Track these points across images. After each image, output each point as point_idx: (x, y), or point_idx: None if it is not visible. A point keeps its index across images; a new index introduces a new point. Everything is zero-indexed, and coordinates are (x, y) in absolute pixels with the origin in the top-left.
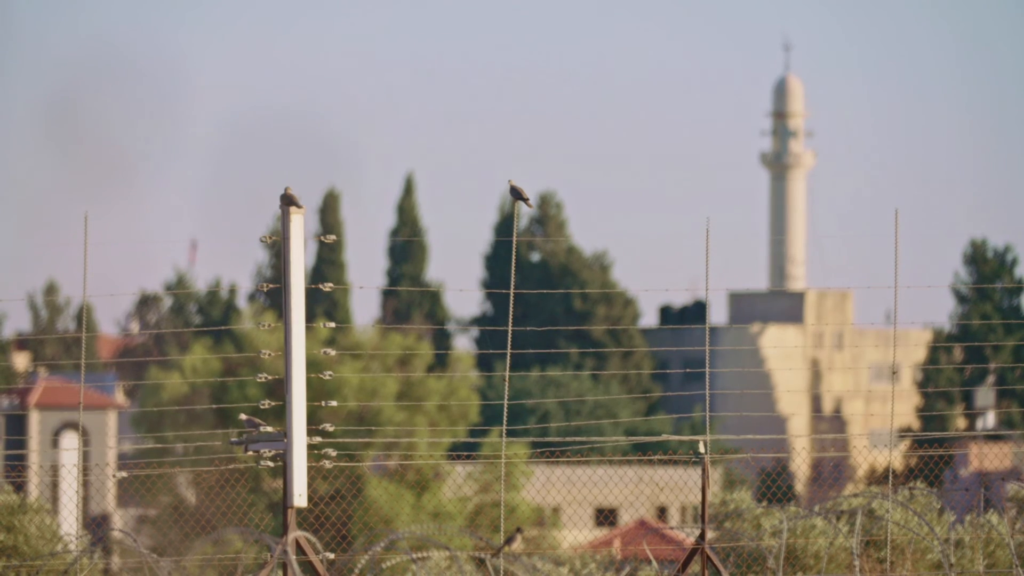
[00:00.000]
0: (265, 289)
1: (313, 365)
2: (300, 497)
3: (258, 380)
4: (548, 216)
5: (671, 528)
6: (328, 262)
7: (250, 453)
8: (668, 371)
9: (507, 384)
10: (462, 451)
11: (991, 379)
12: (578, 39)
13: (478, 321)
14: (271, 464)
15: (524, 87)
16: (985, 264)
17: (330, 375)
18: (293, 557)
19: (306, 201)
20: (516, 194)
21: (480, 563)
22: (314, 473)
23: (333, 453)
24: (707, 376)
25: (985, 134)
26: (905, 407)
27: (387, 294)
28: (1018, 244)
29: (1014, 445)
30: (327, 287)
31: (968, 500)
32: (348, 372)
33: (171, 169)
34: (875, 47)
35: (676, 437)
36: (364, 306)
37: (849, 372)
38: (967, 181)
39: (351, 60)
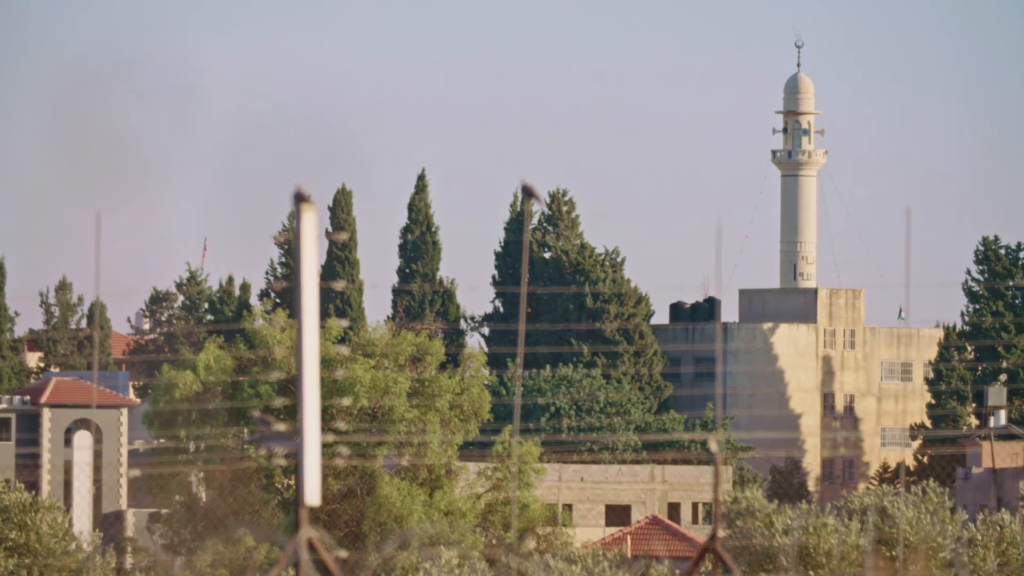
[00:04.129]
0: (278, 288)
1: (326, 363)
2: (313, 495)
3: (271, 379)
4: (560, 214)
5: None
6: (340, 260)
7: (263, 451)
8: (680, 369)
9: (519, 382)
10: (474, 449)
11: (1003, 377)
12: (590, 38)
13: (490, 318)
14: (284, 462)
15: (536, 85)
16: (997, 262)
17: (343, 373)
18: (305, 555)
19: (318, 199)
20: (528, 192)
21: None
22: (327, 471)
23: (346, 451)
24: (719, 374)
25: (996, 132)
26: (917, 405)
27: (399, 292)
28: None
29: None
30: (339, 285)
31: (980, 498)
32: (360, 370)
33: (183, 168)
34: (886, 46)
35: (688, 435)
36: (376, 304)
37: (861, 370)
38: (979, 179)
39: (363, 58)
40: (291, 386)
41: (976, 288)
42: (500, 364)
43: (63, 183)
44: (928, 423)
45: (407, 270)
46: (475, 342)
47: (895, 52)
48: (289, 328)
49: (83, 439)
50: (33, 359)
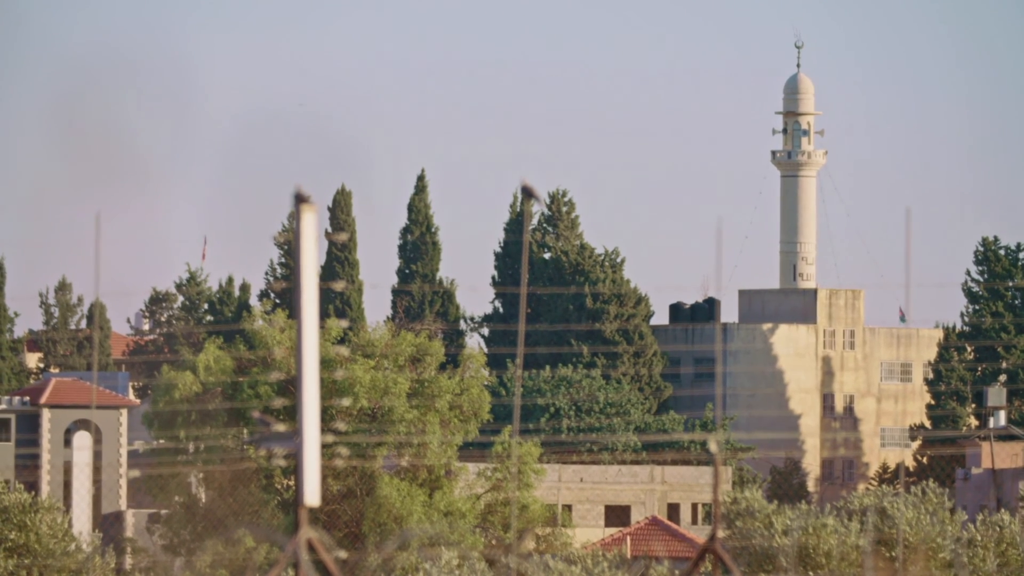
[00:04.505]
0: (278, 288)
1: (325, 363)
2: (312, 496)
3: (271, 380)
4: (560, 214)
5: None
6: (340, 260)
7: (263, 452)
8: (679, 370)
9: (518, 382)
10: (474, 450)
11: (1003, 378)
12: (590, 38)
13: (490, 319)
14: (283, 463)
15: (536, 85)
16: (997, 263)
17: (342, 373)
18: (305, 556)
19: (318, 200)
20: (528, 193)
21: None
22: (327, 471)
23: (346, 452)
24: (718, 375)
25: (996, 133)
26: (917, 406)
27: (399, 292)
28: None
29: None
30: (339, 285)
31: (980, 499)
32: (360, 370)
33: (183, 168)
34: (886, 46)
35: (688, 436)
36: (376, 304)
37: (861, 371)
38: (978, 180)
39: (362, 59)
40: (291, 387)
41: (976, 289)
42: (500, 365)
43: (63, 183)
44: (928, 424)
45: (407, 271)
46: (475, 342)
47: (895, 52)
48: (289, 328)
49: (83, 440)
50: (33, 360)
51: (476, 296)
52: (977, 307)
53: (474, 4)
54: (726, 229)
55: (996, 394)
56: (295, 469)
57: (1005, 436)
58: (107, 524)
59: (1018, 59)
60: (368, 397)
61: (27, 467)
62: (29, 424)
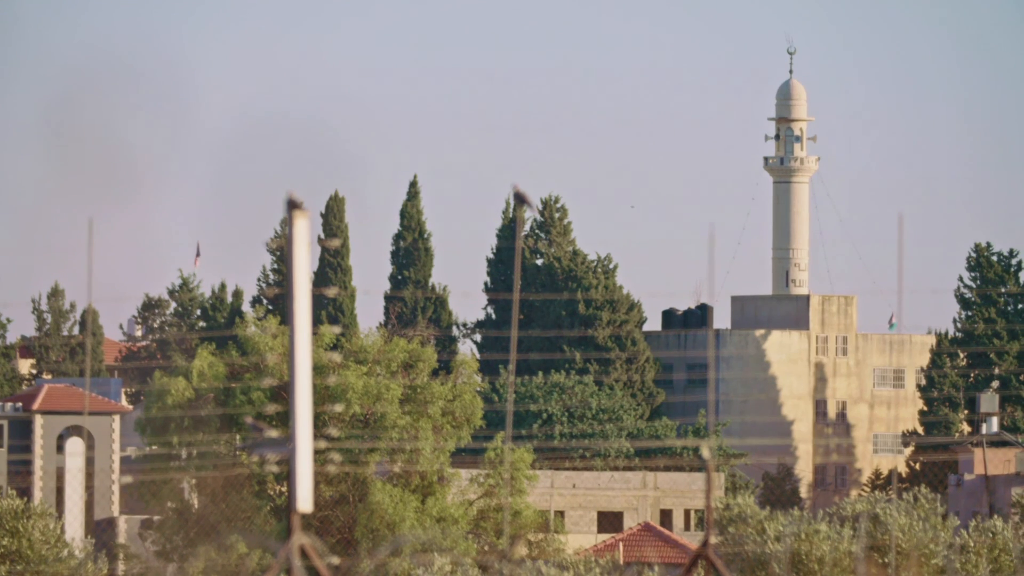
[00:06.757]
0: (270, 294)
1: (318, 369)
2: (305, 501)
3: (263, 385)
4: (552, 220)
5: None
6: (333, 266)
7: (255, 458)
8: (672, 376)
9: (511, 388)
10: (466, 456)
11: (995, 384)
12: (583, 44)
13: (482, 325)
14: (276, 468)
15: (528, 91)
16: (989, 269)
17: (335, 379)
18: (298, 562)
19: (310, 206)
20: (520, 199)
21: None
22: (319, 477)
23: (338, 458)
24: (711, 381)
25: (989, 139)
26: (909, 412)
27: (391, 298)
28: (1022, 249)
29: (1018, 450)
30: (332, 291)
31: (972, 505)
32: (353, 376)
33: (176, 174)
34: (879, 52)
35: (680, 442)
36: (369, 310)
37: (853, 377)
38: (971, 186)
39: (355, 65)
40: (283, 392)
41: (968, 295)
42: (492, 371)
43: (56, 189)
44: (920, 430)
45: (399, 276)
46: (467, 349)
47: (887, 59)
48: (281, 335)
49: (75, 446)
50: (25, 366)
51: (468, 302)
52: (969, 313)
53: (467, 10)
54: (719, 235)
55: (988, 400)
56: (288, 475)
57: (997, 442)
58: (100, 530)
59: (1011, 65)
60: (361, 403)
61: (19, 473)
62: (21, 430)
